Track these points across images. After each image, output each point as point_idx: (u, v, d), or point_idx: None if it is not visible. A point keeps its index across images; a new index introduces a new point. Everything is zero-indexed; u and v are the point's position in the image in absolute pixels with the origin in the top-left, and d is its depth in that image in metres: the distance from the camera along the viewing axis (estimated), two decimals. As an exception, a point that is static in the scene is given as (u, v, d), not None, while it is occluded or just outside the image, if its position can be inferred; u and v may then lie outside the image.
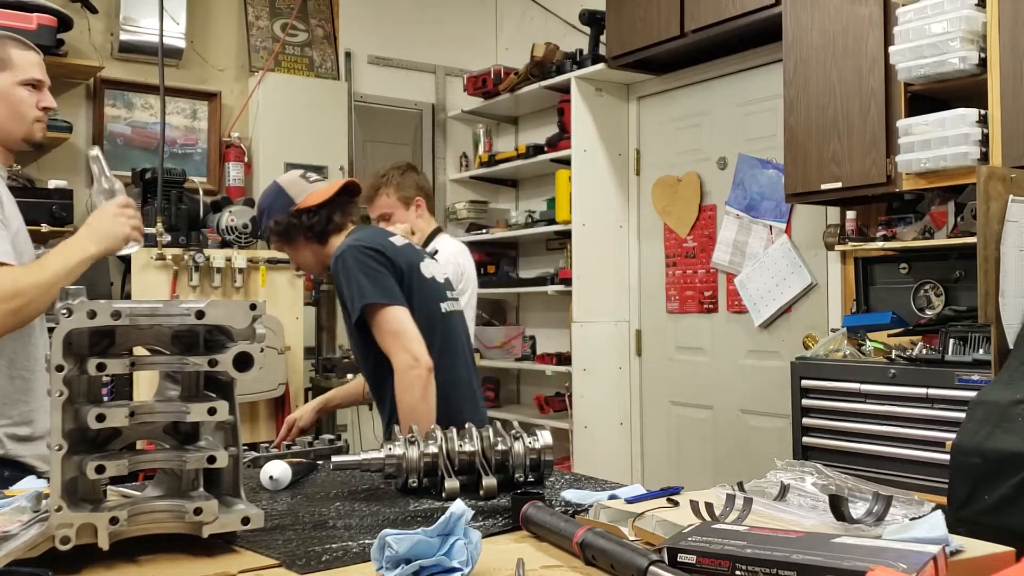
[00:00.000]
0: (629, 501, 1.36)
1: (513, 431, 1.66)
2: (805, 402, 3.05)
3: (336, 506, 1.54)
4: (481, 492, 1.57)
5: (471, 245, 5.08)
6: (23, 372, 2.00)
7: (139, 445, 1.49)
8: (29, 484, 1.60)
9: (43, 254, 1.99)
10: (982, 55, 2.68)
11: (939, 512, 1.18)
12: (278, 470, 1.68)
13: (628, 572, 1.03)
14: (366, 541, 1.27)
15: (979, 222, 2.30)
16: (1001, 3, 2.63)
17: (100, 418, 1.19)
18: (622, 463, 4.48)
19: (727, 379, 4.08)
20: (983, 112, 2.67)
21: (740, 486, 1.36)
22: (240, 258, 3.78)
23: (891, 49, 2.86)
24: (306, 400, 3.79)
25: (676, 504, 1.32)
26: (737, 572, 0.98)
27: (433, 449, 1.61)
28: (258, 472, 1.71)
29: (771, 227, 3.87)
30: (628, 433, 4.52)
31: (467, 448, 1.63)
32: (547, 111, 5.00)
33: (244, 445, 1.54)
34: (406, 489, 1.60)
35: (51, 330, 1.19)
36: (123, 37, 4.31)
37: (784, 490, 1.32)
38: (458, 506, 1.10)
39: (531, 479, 1.63)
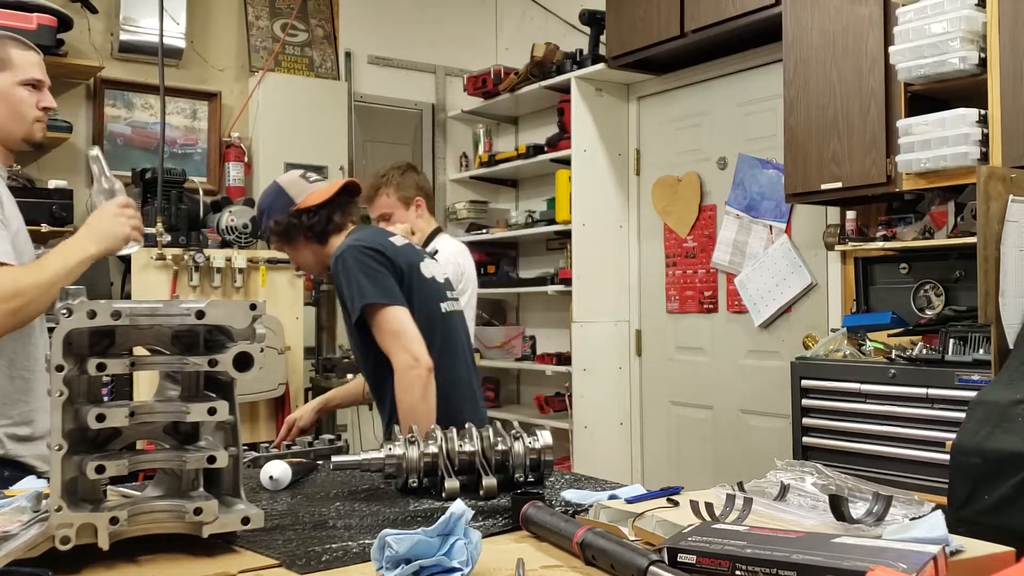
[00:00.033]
0: (629, 501, 1.36)
1: (513, 431, 1.66)
2: (805, 402, 3.05)
3: (336, 506, 1.54)
4: (481, 492, 1.57)
5: (471, 245, 5.08)
6: (23, 372, 2.00)
7: (139, 445, 1.49)
8: (29, 484, 1.60)
9: (43, 254, 1.99)
10: (982, 55, 2.68)
11: (939, 512, 1.18)
12: (278, 470, 1.68)
13: (628, 572, 1.03)
14: (366, 541, 1.27)
15: (979, 222, 2.30)
16: (1001, 3, 2.63)
17: (100, 418, 1.19)
18: (622, 463, 4.48)
19: (727, 379, 4.08)
20: (983, 112, 2.67)
21: (740, 486, 1.36)
22: (240, 258, 3.79)
23: (891, 49, 2.86)
24: (306, 400, 3.79)
25: (676, 504, 1.32)
26: (737, 572, 0.98)
27: (433, 449, 1.61)
28: (258, 472, 1.71)
29: (771, 227, 3.87)
30: (628, 433, 4.52)
31: (467, 448, 1.63)
32: (547, 111, 5.00)
33: (244, 445, 1.54)
34: (406, 489, 1.60)
35: (51, 330, 1.19)
36: (123, 37, 4.31)
37: (784, 490, 1.32)
38: (458, 506, 1.10)
39: (531, 479, 1.63)
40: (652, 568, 1.00)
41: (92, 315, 1.18)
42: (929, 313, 3.20)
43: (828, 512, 1.20)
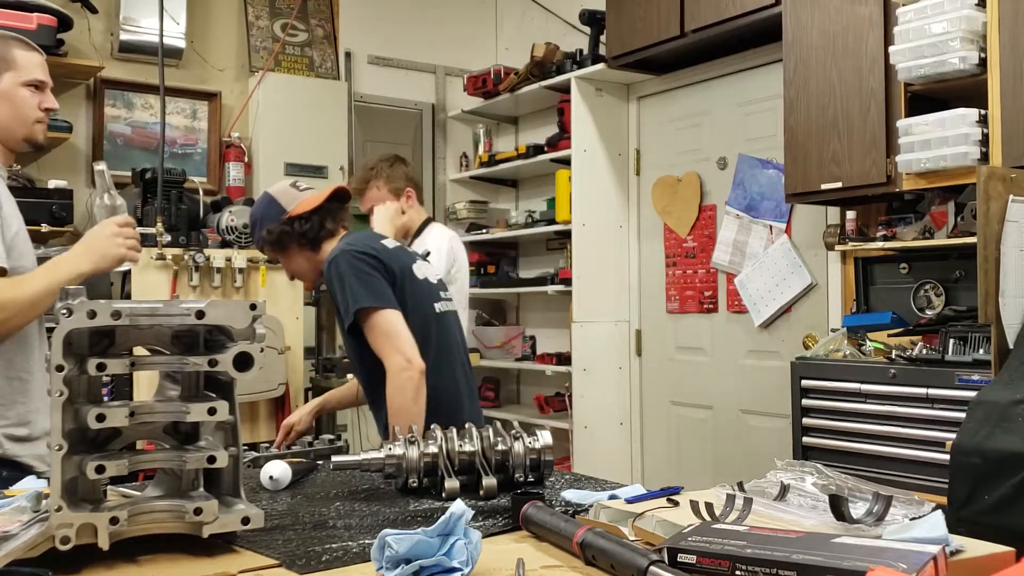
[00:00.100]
0: (629, 501, 1.36)
1: (513, 431, 1.66)
2: (805, 402, 3.05)
3: (336, 506, 1.54)
4: (481, 492, 1.57)
5: (471, 245, 5.10)
6: (21, 373, 2.00)
7: (139, 445, 1.49)
8: (29, 484, 1.60)
9: (43, 255, 1.99)
10: (982, 55, 2.67)
11: (939, 512, 1.18)
12: (278, 470, 1.68)
13: (628, 572, 1.03)
14: (366, 541, 1.27)
15: (979, 222, 2.30)
16: (1001, 3, 2.63)
17: (100, 418, 1.19)
18: (622, 463, 4.48)
19: (727, 379, 4.08)
20: (983, 112, 2.67)
21: (740, 486, 1.36)
22: (240, 258, 3.78)
23: (891, 49, 2.86)
24: (306, 400, 3.79)
25: (676, 504, 1.32)
26: (737, 572, 0.98)
27: (433, 449, 1.61)
28: (258, 472, 1.71)
29: (771, 227, 3.87)
30: (628, 433, 4.52)
31: (467, 448, 1.63)
32: (547, 111, 5.00)
33: (244, 445, 1.54)
34: (406, 489, 1.60)
35: (51, 330, 1.19)
36: (123, 37, 4.31)
37: (784, 490, 1.32)
38: (458, 506, 1.10)
39: (531, 479, 1.63)
40: (652, 568, 1.00)
41: (92, 315, 1.18)
42: (929, 313, 3.20)
43: (828, 512, 1.20)
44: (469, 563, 1.08)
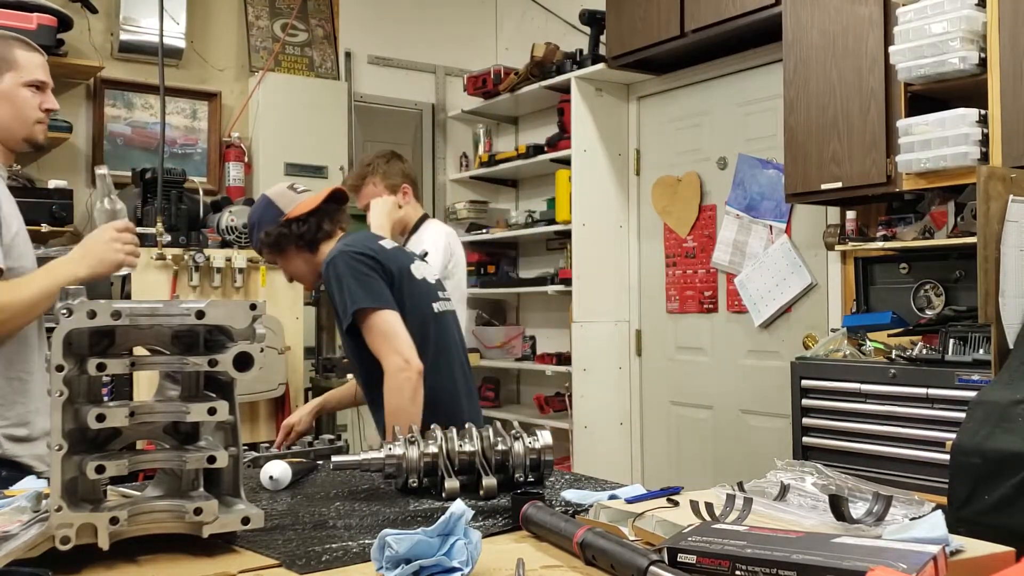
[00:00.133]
0: (629, 501, 1.36)
1: (513, 431, 1.66)
2: (805, 402, 3.05)
3: (336, 506, 1.54)
4: (481, 492, 1.57)
5: (471, 245, 5.10)
6: (20, 374, 2.00)
7: (139, 445, 1.49)
8: (29, 484, 1.60)
9: (42, 255, 1.99)
10: (982, 55, 2.67)
11: (939, 512, 1.18)
12: (278, 470, 1.68)
13: (628, 572, 1.03)
14: (366, 541, 1.27)
15: (979, 222, 2.30)
16: (1001, 3, 2.63)
17: (100, 418, 1.19)
18: (622, 463, 4.48)
19: (727, 379, 4.08)
20: (983, 112, 2.67)
21: (740, 486, 1.36)
22: (240, 258, 3.78)
23: (891, 49, 2.86)
24: (306, 400, 3.79)
25: (676, 504, 1.32)
26: (737, 572, 0.98)
27: (433, 449, 1.61)
28: (258, 472, 1.71)
29: (771, 227, 3.87)
30: (628, 433, 4.52)
31: (467, 448, 1.63)
32: (547, 111, 5.00)
33: (244, 445, 1.54)
34: (406, 489, 1.60)
35: (51, 330, 1.19)
36: (123, 37, 4.31)
37: (784, 490, 1.32)
38: (458, 506, 1.10)
39: (531, 479, 1.63)
40: (652, 568, 1.00)
41: (92, 315, 1.18)
42: (929, 313, 3.20)
43: (828, 512, 1.20)
44: (469, 563, 1.08)
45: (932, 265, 3.24)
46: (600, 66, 4.30)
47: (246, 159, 4.59)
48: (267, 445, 2.16)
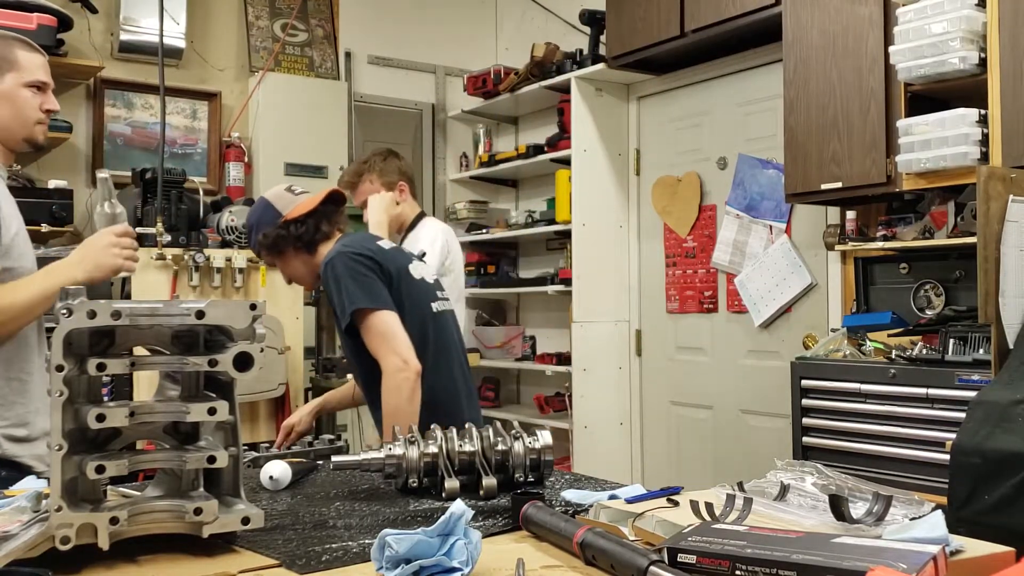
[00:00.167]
0: (629, 501, 1.36)
1: (513, 431, 1.66)
2: (805, 402, 3.05)
3: (336, 506, 1.54)
4: (481, 492, 1.57)
5: (471, 245, 5.11)
6: (20, 374, 2.00)
7: (139, 445, 1.49)
8: (29, 484, 1.60)
9: (42, 255, 1.99)
10: (982, 55, 2.67)
11: (939, 512, 1.18)
12: (278, 470, 1.68)
13: (628, 572, 1.03)
14: (366, 541, 1.27)
15: (979, 222, 2.30)
16: (1001, 3, 2.63)
17: (100, 418, 1.19)
18: (622, 463, 4.48)
19: (727, 379, 4.08)
20: (983, 112, 2.67)
21: (740, 486, 1.36)
22: (240, 258, 3.78)
23: (891, 49, 2.86)
24: (306, 400, 3.79)
25: (676, 504, 1.32)
26: (737, 572, 0.98)
27: (433, 449, 1.61)
28: (258, 472, 1.71)
29: (771, 227, 3.87)
30: (628, 433, 4.52)
31: (467, 448, 1.63)
32: (547, 111, 5.00)
33: (244, 445, 1.54)
34: (406, 489, 1.60)
35: (51, 330, 1.19)
36: (123, 37, 4.31)
37: (784, 490, 1.32)
38: (458, 506, 1.10)
39: (531, 479, 1.63)
40: (652, 568, 1.00)
41: (92, 315, 1.18)
42: (929, 313, 3.20)
43: (828, 512, 1.20)
44: (469, 563, 1.08)
45: (932, 265, 3.24)
46: (600, 66, 4.30)
47: (246, 159, 4.59)
48: (267, 445, 2.16)
